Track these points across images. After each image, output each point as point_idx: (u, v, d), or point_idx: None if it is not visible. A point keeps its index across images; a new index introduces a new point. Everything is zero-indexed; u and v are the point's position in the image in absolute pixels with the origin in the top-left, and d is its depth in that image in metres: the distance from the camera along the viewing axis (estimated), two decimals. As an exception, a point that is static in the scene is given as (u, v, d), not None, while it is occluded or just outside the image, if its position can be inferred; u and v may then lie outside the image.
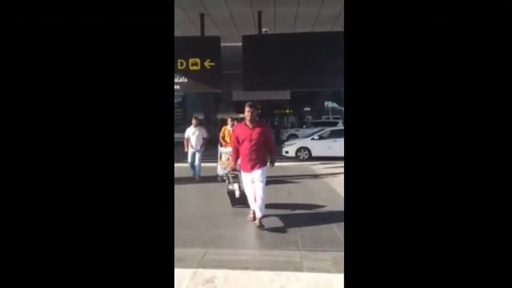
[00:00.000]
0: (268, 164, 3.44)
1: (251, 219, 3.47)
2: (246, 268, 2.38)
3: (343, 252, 2.57)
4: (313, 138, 9.81)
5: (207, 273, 2.30)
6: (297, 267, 2.39)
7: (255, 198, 3.31)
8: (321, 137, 9.73)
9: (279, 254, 2.66)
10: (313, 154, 9.28)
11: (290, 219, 3.57)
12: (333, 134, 9.71)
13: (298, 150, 9.43)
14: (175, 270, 2.23)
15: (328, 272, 2.30)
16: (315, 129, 10.87)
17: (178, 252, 2.55)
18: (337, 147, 9.03)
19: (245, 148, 3.30)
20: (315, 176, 6.46)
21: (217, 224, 3.50)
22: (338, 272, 2.27)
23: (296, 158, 9.28)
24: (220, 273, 2.29)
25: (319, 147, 9.37)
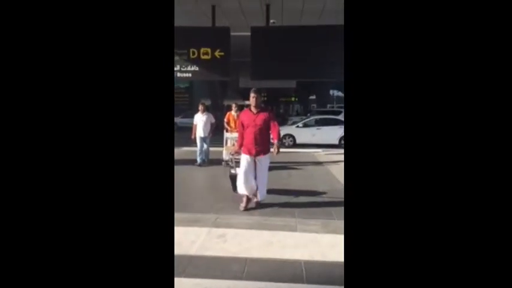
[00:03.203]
0: (272, 150, 3.58)
1: (243, 208, 3.51)
2: (251, 228, 2.93)
3: (331, 220, 3.12)
4: (298, 126, 10.04)
5: (220, 231, 2.85)
6: (292, 229, 2.93)
7: (256, 185, 3.47)
8: (305, 125, 10.00)
9: (278, 219, 3.21)
10: (298, 141, 9.45)
11: (289, 196, 4.06)
12: (317, 123, 10.05)
13: (283, 137, 9.48)
14: (194, 229, 2.82)
15: (317, 232, 2.84)
16: (319, 118, 11.23)
17: (195, 216, 3.19)
18: (321, 135, 9.37)
19: (249, 133, 3.47)
20: (318, 163, 6.86)
21: (224, 197, 4.03)
22: (324, 232, 2.84)
23: (281, 145, 9.25)
24: (230, 231, 2.84)
25: (303, 135, 9.57)
